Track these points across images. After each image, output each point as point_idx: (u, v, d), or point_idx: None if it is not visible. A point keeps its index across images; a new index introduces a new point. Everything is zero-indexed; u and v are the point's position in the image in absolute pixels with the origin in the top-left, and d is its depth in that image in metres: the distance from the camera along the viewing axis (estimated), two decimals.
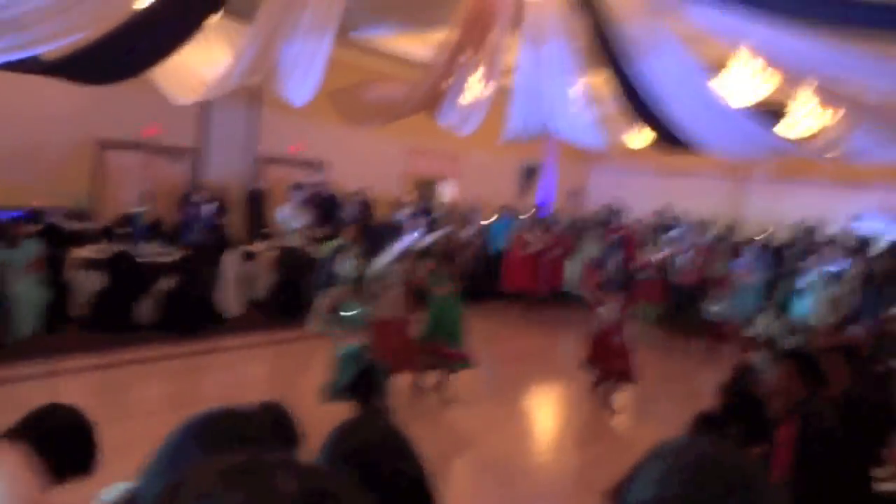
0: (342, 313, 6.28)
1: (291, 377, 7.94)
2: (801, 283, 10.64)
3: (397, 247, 7.29)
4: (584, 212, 19.14)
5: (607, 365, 7.91)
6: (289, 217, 10.84)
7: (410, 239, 7.60)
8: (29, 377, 7.12)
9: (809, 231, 13.93)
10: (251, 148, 14.01)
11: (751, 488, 0.88)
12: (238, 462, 0.74)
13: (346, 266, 6.39)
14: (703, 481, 0.89)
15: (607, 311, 7.89)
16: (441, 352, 7.44)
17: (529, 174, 19.81)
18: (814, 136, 8.33)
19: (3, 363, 7.24)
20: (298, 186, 11.17)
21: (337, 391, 6.11)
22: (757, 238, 12.97)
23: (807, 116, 8.13)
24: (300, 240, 10.71)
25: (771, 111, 8.48)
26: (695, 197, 18.07)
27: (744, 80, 7.74)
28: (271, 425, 1.42)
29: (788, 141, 8.42)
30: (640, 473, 0.98)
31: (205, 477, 0.72)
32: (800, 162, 12.87)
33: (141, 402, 6.86)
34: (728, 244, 12.55)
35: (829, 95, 7.88)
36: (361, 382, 5.91)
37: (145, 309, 9.06)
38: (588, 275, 13.33)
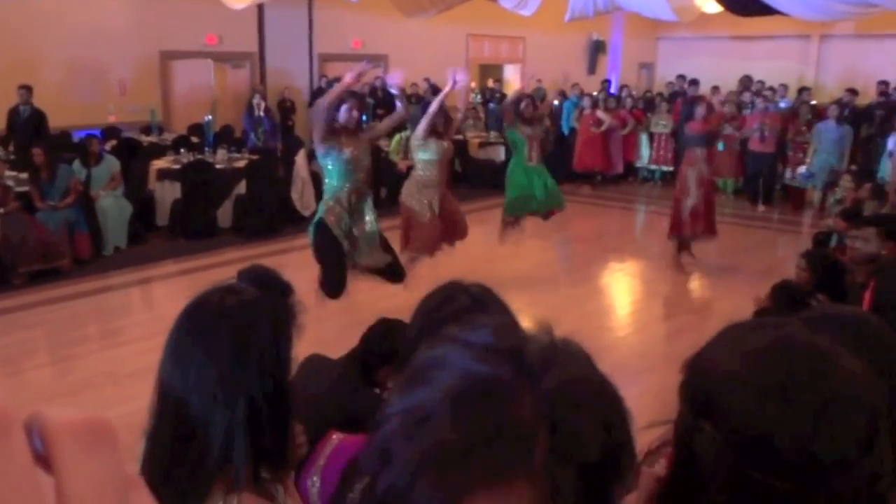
0: None
1: None
2: (890, 144, 10.12)
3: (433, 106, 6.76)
4: (654, 85, 18.50)
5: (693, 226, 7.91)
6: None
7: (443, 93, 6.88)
8: (122, 285, 7.50)
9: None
10: (309, 47, 13.92)
11: (826, 374, 0.85)
12: None
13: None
14: (776, 366, 0.86)
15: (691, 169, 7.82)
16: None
17: (597, 51, 19.15)
18: None
19: (98, 273, 7.63)
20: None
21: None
22: (838, 99, 12.31)
23: None
24: None
25: None
26: (769, 60, 17.20)
27: None
28: (256, 285, 1.48)
29: None
30: (706, 354, 0.95)
31: None
32: (881, 16, 12.03)
33: None
34: (807, 108, 11.98)
35: None
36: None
37: (224, 214, 9.34)
38: (665, 149, 13.02)
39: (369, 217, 5.71)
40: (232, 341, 1.31)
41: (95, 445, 0.32)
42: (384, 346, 2.71)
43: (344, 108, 5.44)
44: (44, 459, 0.31)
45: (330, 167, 5.51)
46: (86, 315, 6.61)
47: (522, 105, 7.59)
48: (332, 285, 5.58)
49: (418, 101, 13.37)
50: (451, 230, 6.79)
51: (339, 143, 5.42)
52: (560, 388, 0.56)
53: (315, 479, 1.44)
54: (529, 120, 7.59)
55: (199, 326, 1.34)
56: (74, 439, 0.32)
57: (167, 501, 1.12)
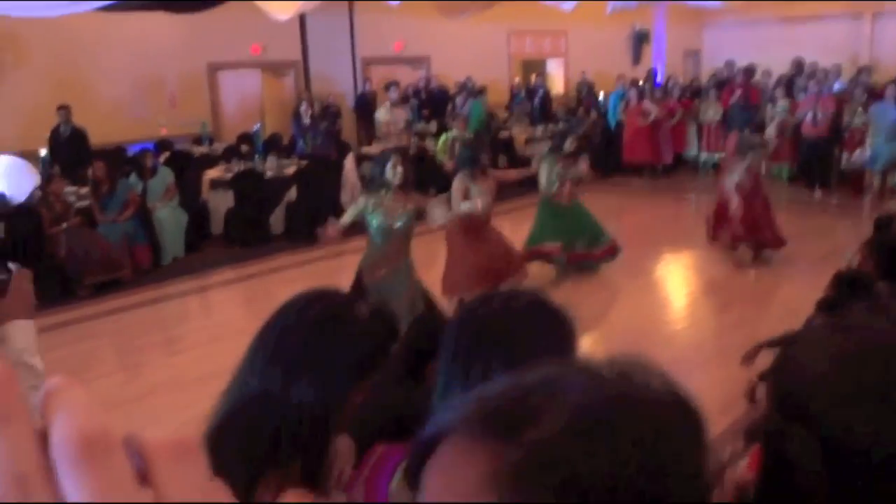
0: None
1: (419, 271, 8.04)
2: None
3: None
4: (701, 73, 18.20)
5: (740, 231, 7.72)
6: (387, 117, 10.76)
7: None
8: (181, 294, 7.68)
9: None
10: (352, 52, 14.04)
11: None
12: None
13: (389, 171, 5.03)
14: (870, 368, 0.83)
15: (735, 176, 7.63)
16: (578, 257, 7.34)
17: (641, 41, 18.91)
18: None
19: (158, 283, 7.83)
20: (392, 84, 11.04)
21: None
22: (895, 79, 11.96)
23: None
24: (406, 137, 10.70)
25: None
26: (820, 42, 16.76)
27: None
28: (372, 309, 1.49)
29: None
30: (793, 356, 0.93)
31: None
32: None
33: None
34: (863, 89, 11.65)
35: None
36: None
37: (276, 220, 9.49)
38: (716, 138, 12.78)
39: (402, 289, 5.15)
40: (297, 343, 1.35)
41: (189, 457, 0.36)
42: (428, 341, 2.72)
43: (388, 166, 5.00)
44: (142, 475, 0.35)
45: (369, 225, 5.13)
46: (148, 323, 6.78)
47: (567, 142, 7.36)
48: None
49: (457, 94, 13.39)
50: (499, 270, 6.32)
51: (380, 204, 5.02)
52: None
53: (360, 489, 1.46)
54: (568, 158, 7.31)
55: (275, 323, 1.39)
56: (170, 454, 0.35)
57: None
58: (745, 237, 7.77)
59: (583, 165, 7.50)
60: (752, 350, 4.66)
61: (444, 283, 6.30)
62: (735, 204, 7.60)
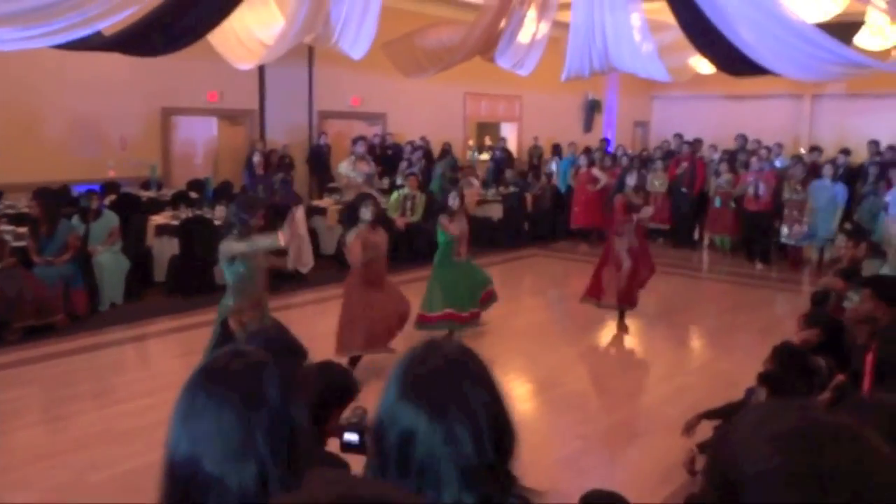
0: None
1: None
2: (891, 200, 10.13)
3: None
4: (649, 143, 18.73)
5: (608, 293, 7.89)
6: (349, 170, 10.88)
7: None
8: (117, 342, 7.43)
9: (890, 148, 13.17)
10: (309, 105, 14.10)
11: (860, 458, 0.81)
12: None
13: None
14: (806, 451, 0.82)
15: (625, 238, 7.80)
16: (459, 318, 7.22)
17: (593, 110, 19.43)
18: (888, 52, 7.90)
19: (93, 330, 7.57)
20: (359, 139, 11.24)
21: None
22: (833, 159, 12.46)
23: (876, 35, 7.73)
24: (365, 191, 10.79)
25: (844, 24, 8.06)
26: (763, 119, 17.46)
27: None
28: (271, 345, 1.46)
29: (868, 54, 7.98)
30: (730, 438, 0.92)
31: None
32: (871, 76, 12.30)
33: None
34: (803, 166, 12.12)
35: None
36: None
37: (221, 270, 9.30)
38: (661, 208, 13.06)
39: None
40: (239, 405, 1.30)
41: None
42: (335, 390, 2.64)
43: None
44: None
45: (233, 274, 5.33)
46: (80, 372, 6.53)
47: (451, 202, 7.48)
48: None
49: (414, 156, 13.46)
50: (391, 328, 6.43)
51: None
52: None
53: None
54: (454, 217, 7.39)
55: (207, 391, 1.34)
56: None
57: None
58: (622, 300, 7.91)
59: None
60: (692, 420, 4.70)
61: (340, 341, 6.30)
62: (627, 265, 7.76)
